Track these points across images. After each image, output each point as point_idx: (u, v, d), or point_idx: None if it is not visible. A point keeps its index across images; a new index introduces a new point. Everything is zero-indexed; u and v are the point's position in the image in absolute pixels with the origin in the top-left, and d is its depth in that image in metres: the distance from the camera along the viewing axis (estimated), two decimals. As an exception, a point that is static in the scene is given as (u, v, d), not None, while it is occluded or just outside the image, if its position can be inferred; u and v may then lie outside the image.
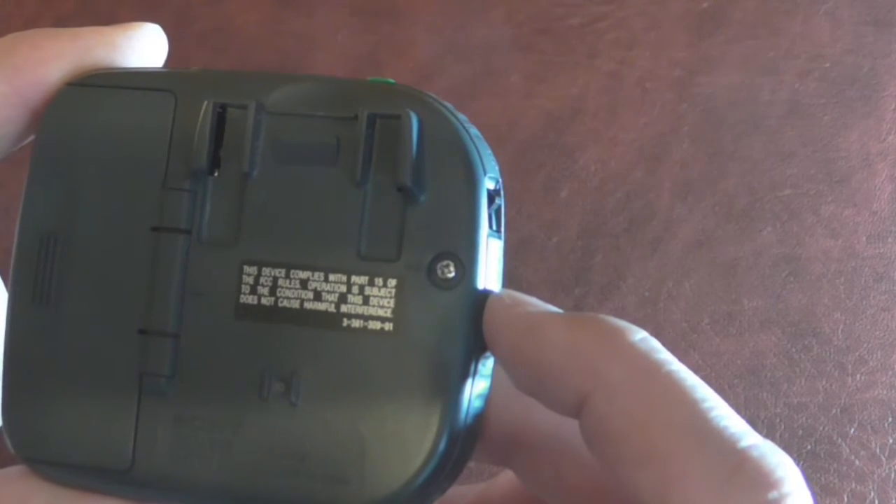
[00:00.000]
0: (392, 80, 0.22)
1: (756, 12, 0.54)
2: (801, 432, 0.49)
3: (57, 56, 0.22)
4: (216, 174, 0.22)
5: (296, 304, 0.21)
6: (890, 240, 0.51)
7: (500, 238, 0.22)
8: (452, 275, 0.21)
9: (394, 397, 0.21)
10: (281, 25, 0.55)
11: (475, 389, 0.21)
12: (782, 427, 0.49)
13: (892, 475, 0.48)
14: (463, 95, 0.53)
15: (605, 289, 0.50)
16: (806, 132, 0.52)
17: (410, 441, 0.20)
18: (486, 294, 0.21)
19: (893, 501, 0.48)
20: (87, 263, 0.22)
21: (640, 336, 0.20)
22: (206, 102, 0.22)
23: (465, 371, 0.21)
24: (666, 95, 0.53)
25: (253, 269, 0.21)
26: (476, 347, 0.21)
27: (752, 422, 0.48)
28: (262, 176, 0.22)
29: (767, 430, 0.48)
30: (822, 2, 0.54)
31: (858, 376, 0.49)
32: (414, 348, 0.21)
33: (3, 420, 0.22)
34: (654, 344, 0.20)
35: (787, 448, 0.49)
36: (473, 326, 0.21)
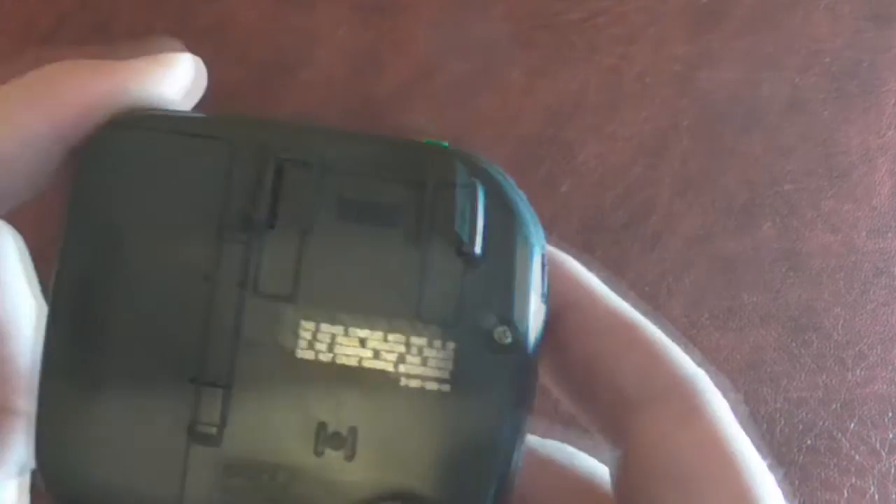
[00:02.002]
0: (446, 143, 0.23)
1: (756, 7, 0.54)
2: (801, 427, 0.49)
3: (100, 95, 0.22)
4: (274, 227, 0.22)
5: (354, 362, 0.22)
6: (890, 235, 0.51)
7: (546, 302, 0.23)
8: (509, 340, 0.22)
9: (447, 457, 0.21)
10: (281, 21, 0.55)
11: (522, 441, 0.22)
12: (782, 422, 0.49)
13: (892, 470, 0.48)
14: (463, 91, 0.53)
15: (604, 284, 0.50)
16: (806, 127, 0.53)
17: (461, 500, 0.21)
18: (535, 357, 0.22)
19: (893, 496, 0.48)
20: (134, 309, 0.22)
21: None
22: (269, 157, 0.22)
23: (515, 433, 0.22)
24: (666, 90, 0.53)
25: (311, 325, 0.22)
26: (526, 411, 0.22)
27: (753, 416, 0.48)
28: (321, 232, 0.22)
29: (768, 425, 0.49)
30: (822, -3, 0.54)
31: (858, 371, 0.49)
32: (469, 410, 0.21)
33: (38, 460, 0.22)
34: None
35: (787, 443, 0.49)
36: (524, 389, 0.22)
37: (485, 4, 0.54)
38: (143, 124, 0.22)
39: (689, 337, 0.49)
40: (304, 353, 0.22)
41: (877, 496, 0.48)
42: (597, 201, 0.52)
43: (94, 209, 0.22)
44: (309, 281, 0.22)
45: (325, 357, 0.22)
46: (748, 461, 0.22)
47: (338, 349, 0.22)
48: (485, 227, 0.22)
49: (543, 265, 0.23)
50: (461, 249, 0.22)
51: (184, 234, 0.22)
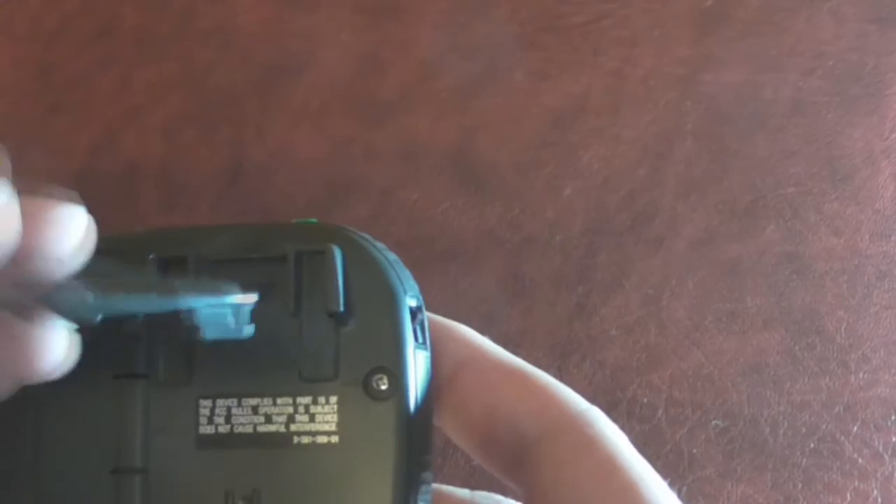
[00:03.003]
0: (314, 220, 0.25)
1: (759, 10, 0.54)
2: (804, 430, 0.49)
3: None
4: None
5: (249, 429, 0.23)
6: (893, 238, 0.51)
7: (425, 349, 0.24)
8: (386, 386, 0.23)
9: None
10: (284, 24, 0.55)
11: (419, 487, 0.23)
12: (785, 425, 0.49)
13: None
14: (466, 93, 0.53)
15: (608, 287, 0.50)
16: (809, 130, 0.52)
17: None
18: (418, 402, 0.24)
19: (897, 499, 0.48)
20: (59, 414, 0.24)
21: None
22: (150, 256, 0.24)
23: (409, 478, 0.23)
24: (669, 93, 0.53)
25: (208, 402, 0.24)
26: (415, 448, 0.23)
27: (755, 420, 0.48)
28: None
29: (770, 429, 0.48)
30: (826, -1, 0.54)
31: (861, 374, 0.49)
32: (358, 457, 0.23)
33: None
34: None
35: (789, 446, 0.49)
36: (409, 431, 0.23)
37: (488, 6, 0.54)
38: None
39: (692, 340, 0.49)
40: (205, 429, 0.24)
41: (880, 499, 0.48)
42: (600, 204, 0.52)
43: None
44: (202, 363, 0.24)
45: (223, 429, 0.23)
46: (647, 482, 0.22)
47: (234, 420, 0.23)
48: (347, 285, 0.23)
49: (415, 315, 0.24)
50: (329, 310, 0.23)
51: (91, 339, 0.23)
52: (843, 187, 0.52)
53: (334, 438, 0.23)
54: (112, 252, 0.23)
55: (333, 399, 0.23)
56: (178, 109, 0.54)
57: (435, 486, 0.25)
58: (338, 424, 0.23)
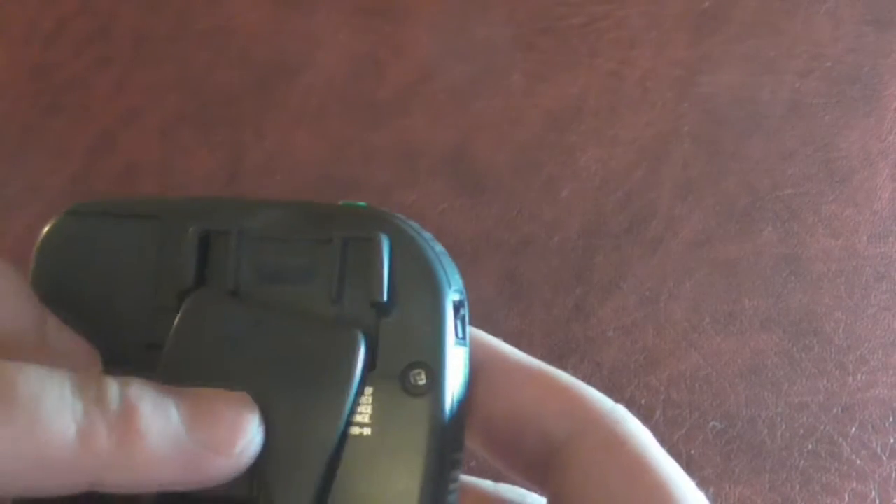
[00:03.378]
0: (363, 203, 0.24)
1: (757, 12, 0.54)
2: (802, 432, 0.49)
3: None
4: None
5: None
6: (891, 239, 0.51)
7: (465, 345, 0.24)
8: (423, 382, 0.23)
9: (374, 497, 0.22)
10: (282, 25, 0.55)
11: (447, 486, 0.23)
12: (783, 426, 0.49)
13: (893, 474, 0.48)
14: (464, 94, 0.53)
15: (606, 288, 0.50)
16: (807, 131, 0.52)
17: None
18: (454, 400, 0.23)
19: (894, 501, 0.48)
20: None
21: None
22: (191, 228, 0.24)
23: (439, 474, 0.23)
24: (667, 95, 0.53)
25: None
26: (447, 447, 0.23)
27: (753, 421, 0.48)
28: (245, 294, 0.23)
29: (768, 430, 0.48)
30: (823, 1, 0.54)
31: (859, 376, 0.49)
32: (391, 451, 0.23)
33: None
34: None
35: (788, 447, 0.49)
36: (445, 430, 0.23)
37: (486, 8, 0.54)
38: (88, 209, 0.24)
39: (690, 341, 0.49)
40: None
41: (878, 500, 0.48)
42: (598, 205, 0.52)
43: (48, 293, 0.23)
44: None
45: None
46: (676, 481, 0.22)
47: None
48: (392, 275, 0.23)
49: (458, 310, 0.24)
50: (372, 299, 0.23)
51: (127, 309, 0.24)
52: (840, 189, 0.52)
53: (367, 430, 0.23)
54: (151, 217, 0.24)
55: (369, 390, 0.23)
56: (176, 110, 0.54)
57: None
58: (371, 416, 0.23)
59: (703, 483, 0.48)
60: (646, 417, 0.48)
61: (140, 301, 0.24)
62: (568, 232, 0.51)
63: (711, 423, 0.48)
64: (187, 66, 0.54)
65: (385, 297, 0.23)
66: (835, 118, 0.53)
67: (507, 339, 0.46)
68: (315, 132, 0.53)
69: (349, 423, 0.23)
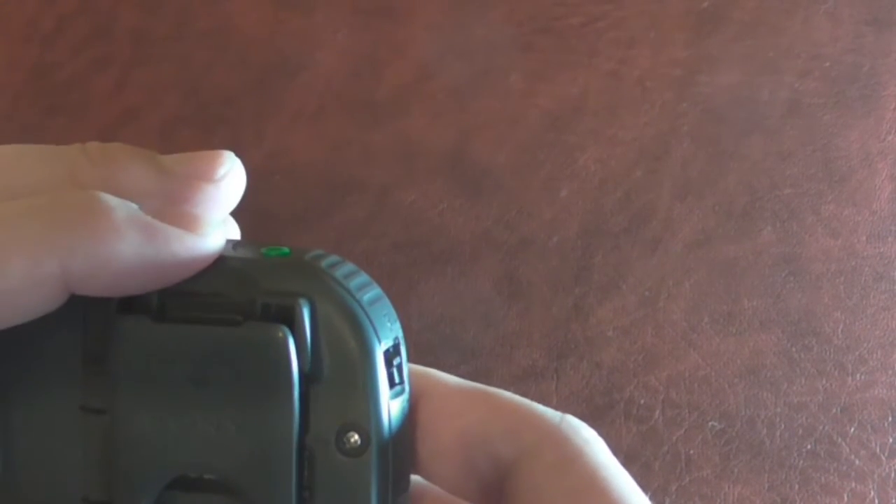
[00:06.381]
0: (287, 250, 0.23)
1: (756, 11, 0.54)
2: (801, 432, 0.49)
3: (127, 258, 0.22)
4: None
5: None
6: (890, 239, 0.51)
7: (403, 391, 0.23)
8: (358, 443, 0.22)
9: None
10: (281, 25, 0.55)
11: None
12: (782, 426, 0.49)
13: (892, 474, 0.48)
14: (463, 94, 0.53)
15: (605, 288, 0.50)
16: (806, 131, 0.52)
17: None
18: (394, 450, 0.23)
19: (893, 501, 0.48)
20: (29, 442, 0.23)
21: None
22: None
23: None
24: (666, 95, 0.53)
25: None
26: (392, 495, 0.23)
27: (752, 421, 0.48)
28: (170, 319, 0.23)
29: (767, 430, 0.48)
30: (822, 1, 0.54)
31: (858, 376, 0.49)
32: None
33: None
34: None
35: (787, 447, 0.49)
36: (384, 480, 0.22)
37: (484, 8, 0.54)
38: None
39: (688, 341, 0.49)
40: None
41: (877, 501, 0.48)
42: (597, 205, 0.52)
43: None
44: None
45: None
46: (629, 499, 0.22)
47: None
48: (315, 341, 0.22)
49: (392, 360, 0.23)
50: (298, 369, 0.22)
51: (58, 369, 0.23)
52: (839, 189, 0.52)
53: (307, 493, 0.22)
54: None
55: (307, 454, 0.22)
56: (175, 111, 0.53)
57: (417, 478, 0.25)
58: (314, 480, 0.22)
59: (701, 483, 0.48)
60: (645, 417, 0.48)
61: (69, 361, 0.23)
62: (567, 232, 0.51)
63: (710, 423, 0.48)
64: (186, 66, 0.54)
65: (309, 366, 0.22)
66: (834, 118, 0.53)
67: (505, 339, 0.46)
68: (314, 132, 0.53)
69: (305, 423, 0.22)
